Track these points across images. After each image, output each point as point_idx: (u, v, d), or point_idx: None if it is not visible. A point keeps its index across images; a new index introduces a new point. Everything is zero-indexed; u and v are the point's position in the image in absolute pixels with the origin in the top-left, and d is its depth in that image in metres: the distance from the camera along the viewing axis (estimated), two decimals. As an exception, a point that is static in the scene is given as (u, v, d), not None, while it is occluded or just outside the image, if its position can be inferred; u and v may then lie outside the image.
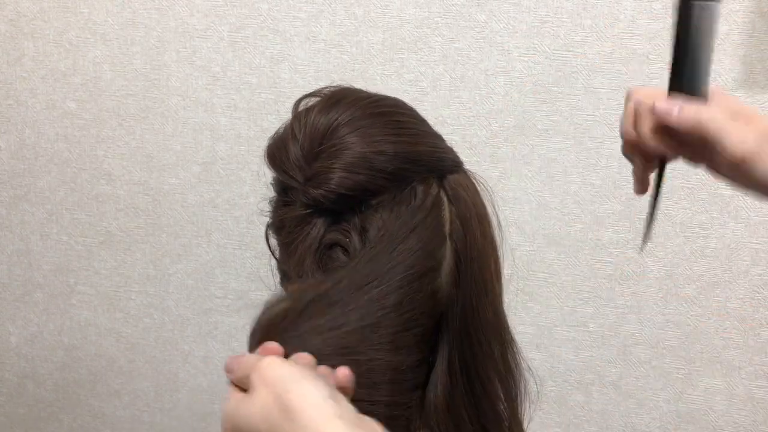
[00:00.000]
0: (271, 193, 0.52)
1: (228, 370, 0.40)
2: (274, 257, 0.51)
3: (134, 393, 1.21)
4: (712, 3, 0.45)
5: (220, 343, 1.16)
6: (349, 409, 0.34)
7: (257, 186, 1.08)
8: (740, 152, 0.45)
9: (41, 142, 1.13)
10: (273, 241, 0.52)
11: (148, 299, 1.17)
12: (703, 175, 0.97)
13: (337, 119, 0.46)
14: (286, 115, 0.50)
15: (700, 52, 0.46)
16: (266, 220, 0.52)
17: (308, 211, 0.46)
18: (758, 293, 1.00)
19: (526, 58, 0.98)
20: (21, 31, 1.09)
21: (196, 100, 1.07)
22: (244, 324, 1.14)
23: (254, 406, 0.36)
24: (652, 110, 0.49)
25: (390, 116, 0.48)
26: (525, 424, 0.51)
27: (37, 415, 1.26)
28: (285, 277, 0.50)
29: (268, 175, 0.51)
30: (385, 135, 0.46)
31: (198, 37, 1.05)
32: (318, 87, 0.52)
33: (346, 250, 0.46)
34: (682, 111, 0.47)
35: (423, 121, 0.51)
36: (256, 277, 1.12)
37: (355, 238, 0.45)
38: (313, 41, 1.02)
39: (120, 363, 1.20)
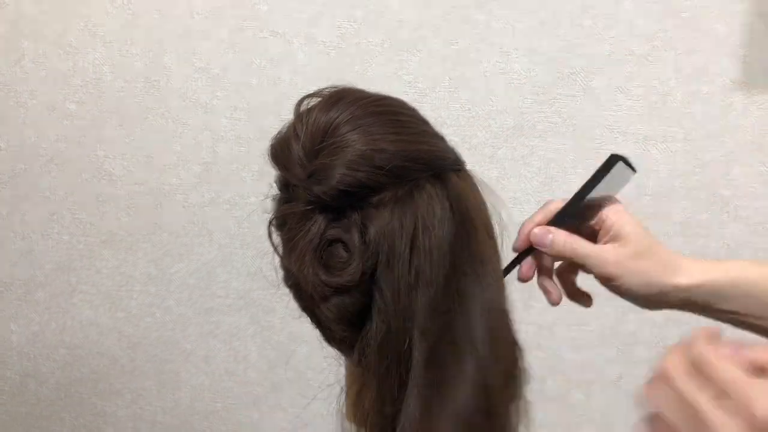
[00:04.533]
0: (274, 191, 0.52)
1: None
2: (277, 254, 0.52)
3: (136, 392, 1.22)
4: (629, 171, 0.53)
5: (221, 343, 1.17)
6: None
7: (258, 186, 1.08)
8: (605, 273, 0.53)
9: (42, 143, 1.14)
10: (276, 239, 0.52)
11: (149, 298, 1.17)
12: (703, 175, 0.97)
13: (338, 117, 0.47)
14: (287, 116, 0.51)
15: (598, 197, 0.53)
16: (268, 218, 0.53)
17: (309, 207, 0.47)
18: (757, 293, 1.00)
19: (525, 59, 0.98)
20: (21, 33, 1.10)
21: (196, 101, 1.07)
22: (245, 323, 1.15)
23: None
24: (529, 235, 0.56)
25: (391, 115, 0.49)
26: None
27: (39, 413, 1.26)
28: (287, 274, 0.51)
29: (269, 174, 0.52)
30: (386, 133, 0.47)
31: (198, 39, 1.05)
32: (318, 88, 0.52)
33: (346, 247, 0.46)
34: (553, 241, 0.54)
35: (424, 121, 0.51)
36: (258, 277, 1.12)
37: (356, 234, 0.46)
38: (313, 43, 1.02)
39: (122, 362, 1.21)
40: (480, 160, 1.02)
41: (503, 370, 0.46)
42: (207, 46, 1.05)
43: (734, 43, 0.93)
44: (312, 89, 0.52)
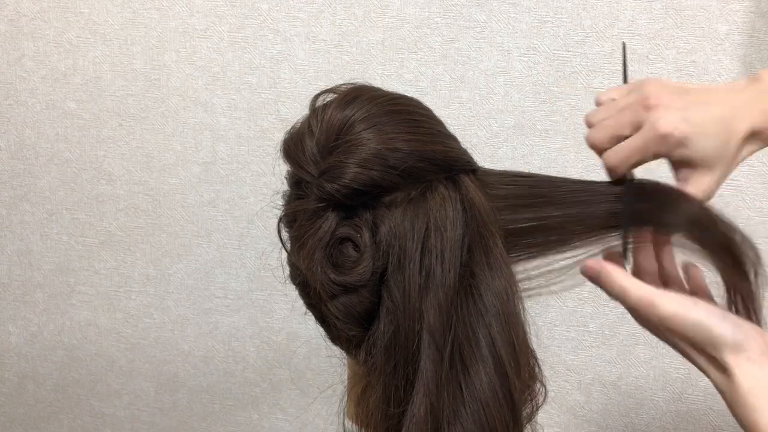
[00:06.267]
0: (285, 186, 0.52)
1: None
2: (285, 249, 0.52)
3: (134, 393, 1.21)
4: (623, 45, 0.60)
5: (220, 343, 1.16)
6: None
7: (257, 186, 1.08)
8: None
9: (41, 142, 1.13)
10: (284, 235, 0.52)
11: (148, 299, 1.17)
12: (703, 175, 0.97)
13: (353, 115, 0.47)
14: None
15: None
16: (273, 215, 0.53)
17: (321, 204, 0.47)
18: (758, 293, 1.00)
19: (526, 58, 0.98)
20: (21, 31, 1.09)
21: (196, 100, 1.07)
22: (244, 324, 1.15)
23: None
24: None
25: (406, 114, 0.48)
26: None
27: (37, 414, 1.26)
28: (295, 271, 0.51)
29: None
30: (400, 132, 0.46)
31: (198, 37, 1.05)
32: (318, 87, 0.52)
33: (356, 246, 0.46)
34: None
35: (439, 122, 0.51)
36: (257, 277, 1.12)
37: (366, 234, 0.45)
38: (313, 41, 1.02)
39: (120, 363, 1.20)
40: (480, 160, 1.01)
41: (518, 376, 0.45)
42: (207, 44, 1.05)
43: (735, 42, 0.93)
44: (312, 88, 0.51)
